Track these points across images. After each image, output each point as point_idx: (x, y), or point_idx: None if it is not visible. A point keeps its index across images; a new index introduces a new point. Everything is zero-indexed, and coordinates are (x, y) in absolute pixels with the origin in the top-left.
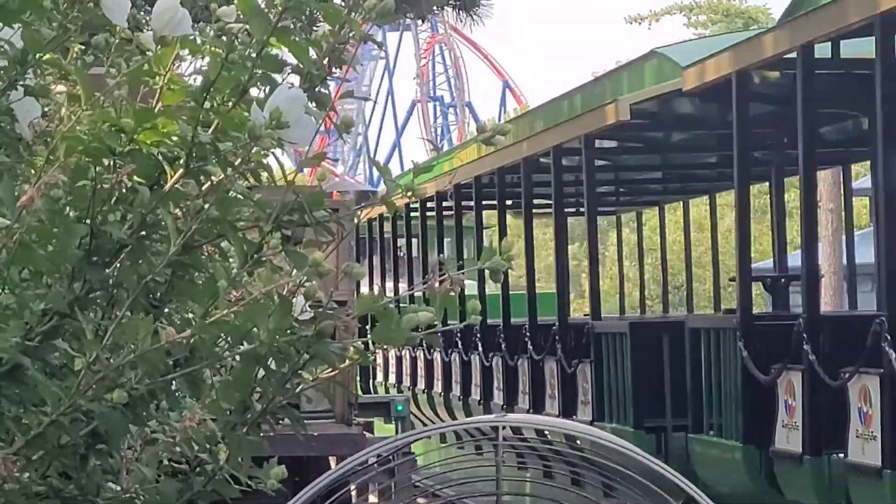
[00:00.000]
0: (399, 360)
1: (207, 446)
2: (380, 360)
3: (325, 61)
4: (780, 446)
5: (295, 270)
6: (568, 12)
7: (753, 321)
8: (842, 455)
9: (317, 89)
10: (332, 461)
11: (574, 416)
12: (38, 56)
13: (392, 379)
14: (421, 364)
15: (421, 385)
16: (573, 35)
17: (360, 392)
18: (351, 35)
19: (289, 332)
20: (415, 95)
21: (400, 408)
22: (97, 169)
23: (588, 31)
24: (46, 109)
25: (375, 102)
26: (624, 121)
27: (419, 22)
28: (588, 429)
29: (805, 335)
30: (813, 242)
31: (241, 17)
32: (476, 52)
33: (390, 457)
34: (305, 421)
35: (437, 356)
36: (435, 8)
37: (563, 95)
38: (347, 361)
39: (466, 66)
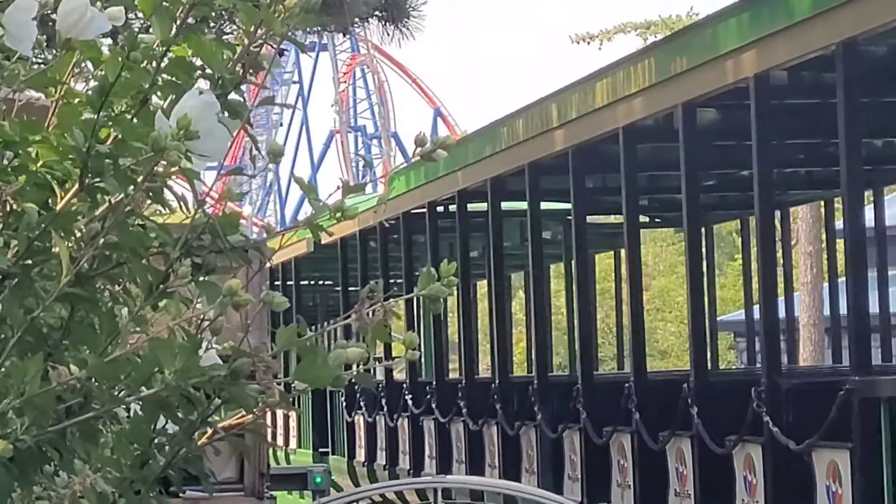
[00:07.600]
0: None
1: None
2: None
3: (239, 67)
4: None
5: (205, 303)
6: (507, 30)
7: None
8: None
9: (229, 96)
10: None
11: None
12: None
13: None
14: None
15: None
16: (512, 56)
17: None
18: (270, 34)
19: (198, 372)
20: (333, 125)
21: (319, 480)
22: None
23: (528, 51)
24: None
25: (289, 130)
26: None
27: (338, 39)
28: (533, 490)
29: (691, 399)
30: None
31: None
32: (403, 75)
33: None
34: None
35: (358, 419)
36: (359, 20)
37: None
38: (267, 408)
39: (392, 92)
